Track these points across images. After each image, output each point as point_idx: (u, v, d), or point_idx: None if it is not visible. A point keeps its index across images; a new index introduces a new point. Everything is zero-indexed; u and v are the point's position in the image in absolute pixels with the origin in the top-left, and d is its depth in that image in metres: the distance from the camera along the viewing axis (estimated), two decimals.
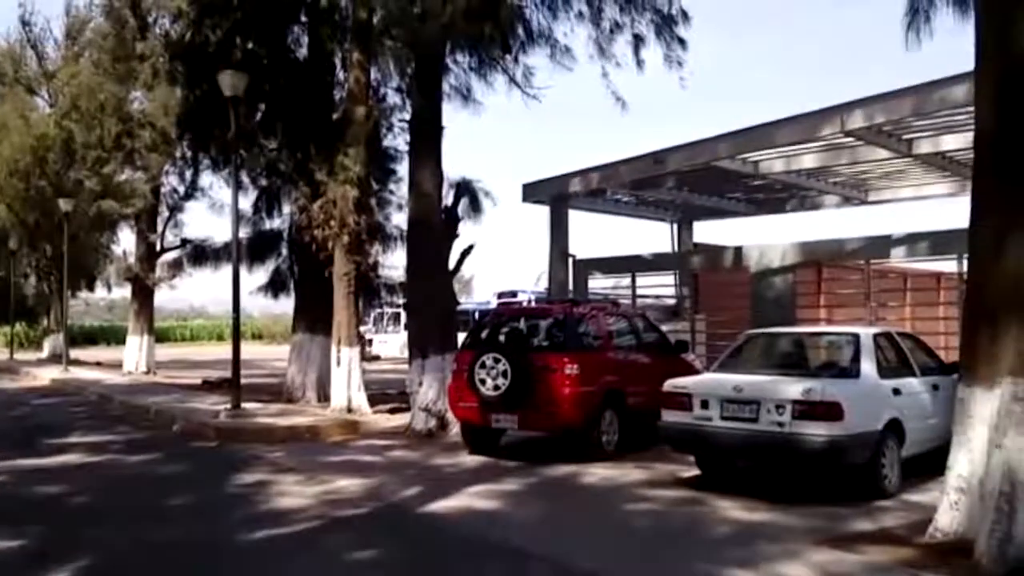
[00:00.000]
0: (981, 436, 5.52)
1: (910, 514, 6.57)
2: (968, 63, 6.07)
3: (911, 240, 12.26)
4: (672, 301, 16.84)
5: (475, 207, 14.10)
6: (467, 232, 24.82)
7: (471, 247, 13.35)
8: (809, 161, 14.69)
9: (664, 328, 11.89)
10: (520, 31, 11.97)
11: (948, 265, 12.55)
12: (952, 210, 19.42)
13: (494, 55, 12.34)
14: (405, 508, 7.31)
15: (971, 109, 6.69)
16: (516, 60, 12.47)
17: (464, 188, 13.63)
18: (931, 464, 6.90)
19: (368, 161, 12.61)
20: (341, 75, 14.36)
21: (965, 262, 7.60)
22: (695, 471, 8.32)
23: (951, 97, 10.07)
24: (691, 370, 10.02)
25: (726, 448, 7.73)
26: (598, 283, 17.47)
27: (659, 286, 17.31)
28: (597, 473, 8.61)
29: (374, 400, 13.31)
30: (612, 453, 9.40)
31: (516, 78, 12.63)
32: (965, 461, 5.64)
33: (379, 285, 15.85)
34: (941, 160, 14.14)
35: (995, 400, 5.44)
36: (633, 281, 16.80)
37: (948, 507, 5.67)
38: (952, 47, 6.77)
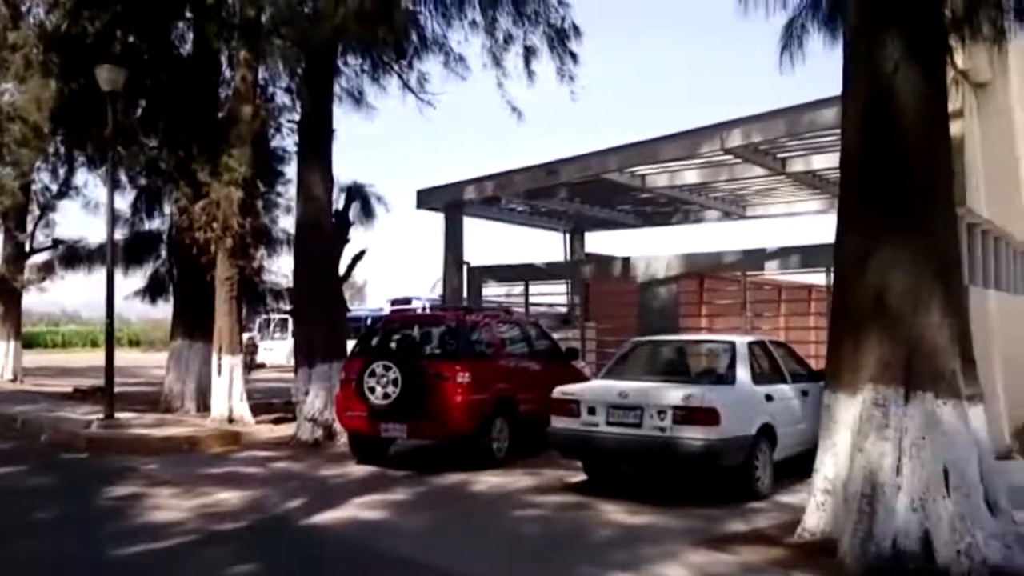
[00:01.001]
0: (845, 440, 5.84)
1: (781, 515, 6.90)
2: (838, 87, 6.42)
3: (783, 254, 12.88)
4: (564, 309, 17.10)
5: (367, 212, 13.94)
6: (359, 237, 24.48)
7: (363, 252, 13.18)
8: (692, 176, 15.25)
9: (556, 336, 12.07)
10: (414, 36, 11.94)
11: (818, 278, 13.27)
12: (822, 226, 20.55)
13: (387, 59, 12.25)
14: (288, 520, 7.13)
15: (839, 131, 7.10)
16: (410, 65, 12.43)
17: (355, 192, 13.44)
18: (801, 467, 7.25)
19: (254, 162, 12.25)
20: (228, 73, 13.91)
21: (832, 275, 8.05)
22: (583, 476, 8.48)
23: (821, 119, 10.67)
24: (581, 377, 10.22)
25: (611, 453, 7.92)
26: (492, 291, 17.56)
27: (552, 294, 17.55)
28: (487, 481, 8.64)
29: (258, 410, 12.91)
30: (502, 460, 9.45)
31: (410, 83, 12.59)
32: (830, 464, 5.97)
33: (264, 290, 15.42)
34: (812, 179, 14.96)
35: (858, 406, 5.77)
36: (526, 289, 16.97)
37: (815, 508, 5.99)
38: (825, 69, 7.13)
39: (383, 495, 7.98)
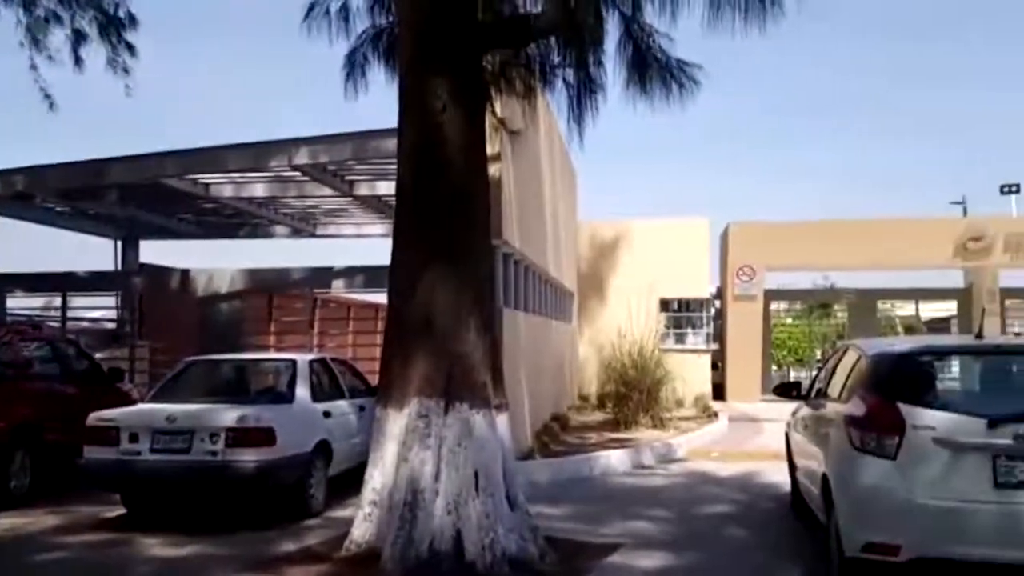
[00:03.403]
0: (392, 452, 6.15)
1: (333, 530, 6.99)
2: None
3: (350, 273, 13.33)
4: (113, 325, 15.48)
5: None
6: None
7: None
8: (261, 190, 14.96)
9: (103, 355, 10.86)
10: None
11: (384, 297, 13.94)
12: (387, 248, 21.63)
13: None
14: None
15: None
16: None
17: None
18: (358, 480, 7.49)
19: None
20: None
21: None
22: (121, 510, 7.70)
23: (384, 147, 11.23)
24: (127, 400, 9.31)
25: (157, 482, 7.33)
26: (22, 302, 15.21)
27: (99, 308, 15.78)
28: (1, 524, 7.37)
29: None
30: (23, 499, 8.16)
31: None
32: (378, 476, 6.24)
33: None
34: (377, 203, 15.71)
35: (405, 418, 6.13)
36: (64, 301, 15.01)
37: (362, 520, 6.20)
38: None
39: None
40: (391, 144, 10.95)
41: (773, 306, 27.49)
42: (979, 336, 6.00)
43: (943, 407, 5.12)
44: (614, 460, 10.88)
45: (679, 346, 20.62)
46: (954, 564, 4.95)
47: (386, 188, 14.36)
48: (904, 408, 5.09)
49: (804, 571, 6.16)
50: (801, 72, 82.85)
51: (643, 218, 21.43)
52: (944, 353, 5.73)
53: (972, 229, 22.31)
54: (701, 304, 21.61)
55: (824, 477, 5.83)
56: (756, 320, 23.04)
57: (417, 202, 6.46)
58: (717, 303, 23.54)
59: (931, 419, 4.99)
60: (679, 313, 21.55)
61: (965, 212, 28.56)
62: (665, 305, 21.17)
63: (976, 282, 24.34)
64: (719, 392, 21.72)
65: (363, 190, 14.57)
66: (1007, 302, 25.04)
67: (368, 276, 12.86)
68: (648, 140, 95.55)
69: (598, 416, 16.01)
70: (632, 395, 14.57)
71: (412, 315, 6.31)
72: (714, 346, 22.42)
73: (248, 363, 9.47)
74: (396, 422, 6.18)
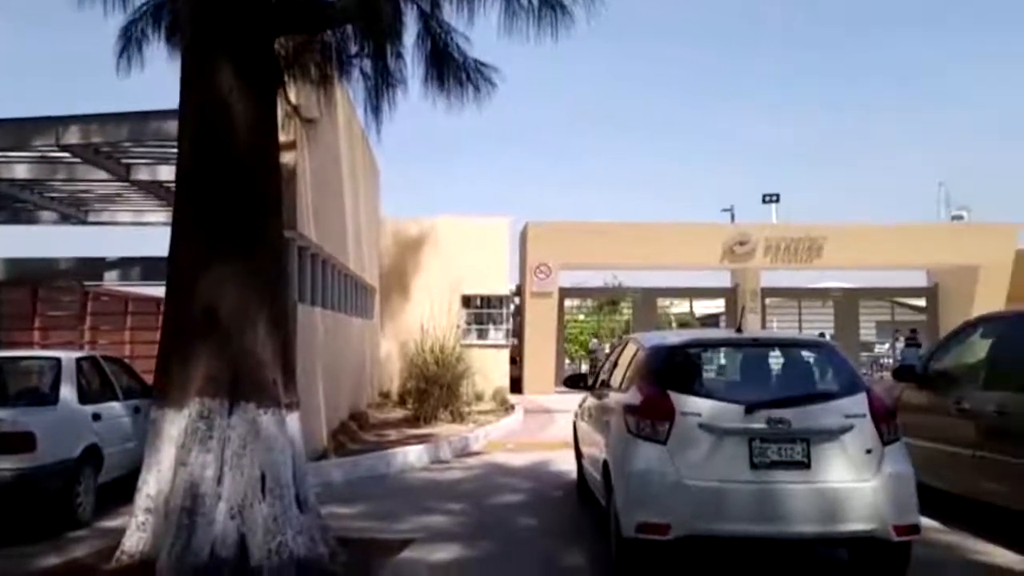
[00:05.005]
0: (170, 456, 5.76)
1: (104, 541, 6.49)
2: None
3: (126, 264, 12.33)
4: None
5: None
6: None
7: None
8: (23, 171, 13.45)
9: None
10: None
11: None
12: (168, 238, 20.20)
13: None
14: None
15: None
16: None
17: None
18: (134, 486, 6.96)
19: None
20: None
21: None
22: None
23: (166, 129, 10.45)
24: None
25: None
26: None
27: None
28: None
29: None
30: None
31: None
32: (154, 482, 5.82)
33: None
34: (159, 188, 14.61)
35: (185, 420, 5.75)
36: None
37: (136, 528, 5.76)
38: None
39: None
40: (172, 126, 10.30)
41: (567, 303, 28.72)
42: (739, 330, 6.60)
43: (708, 395, 5.58)
44: (411, 456, 10.89)
45: (480, 341, 21.04)
46: (717, 540, 5.41)
47: (168, 173, 13.37)
48: (674, 396, 5.49)
49: (587, 554, 6.47)
50: (599, 86, 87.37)
51: (446, 216, 21.58)
52: (709, 345, 6.23)
53: (738, 234, 24.59)
54: (501, 301, 22.15)
55: (605, 463, 6.16)
56: (552, 316, 24.00)
57: (199, 188, 6.09)
58: (517, 300, 24.24)
59: (697, 406, 5.42)
60: (481, 309, 21.96)
61: (733, 218, 31.35)
62: (467, 302, 21.50)
63: (741, 282, 26.80)
64: (517, 385, 22.40)
65: (143, 175, 13.49)
66: (767, 300, 27.74)
67: (147, 267, 11.96)
68: (452, 140, 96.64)
69: (399, 413, 15.96)
70: (433, 391, 14.68)
71: (193, 310, 5.94)
72: (513, 341, 23.08)
73: (5, 362, 8.51)
74: (175, 424, 5.80)
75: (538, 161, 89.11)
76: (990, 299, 22.60)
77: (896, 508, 5.22)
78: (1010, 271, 24.14)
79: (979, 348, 7.44)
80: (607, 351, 19.32)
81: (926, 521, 6.38)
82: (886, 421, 5.41)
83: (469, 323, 21.39)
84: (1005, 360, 6.90)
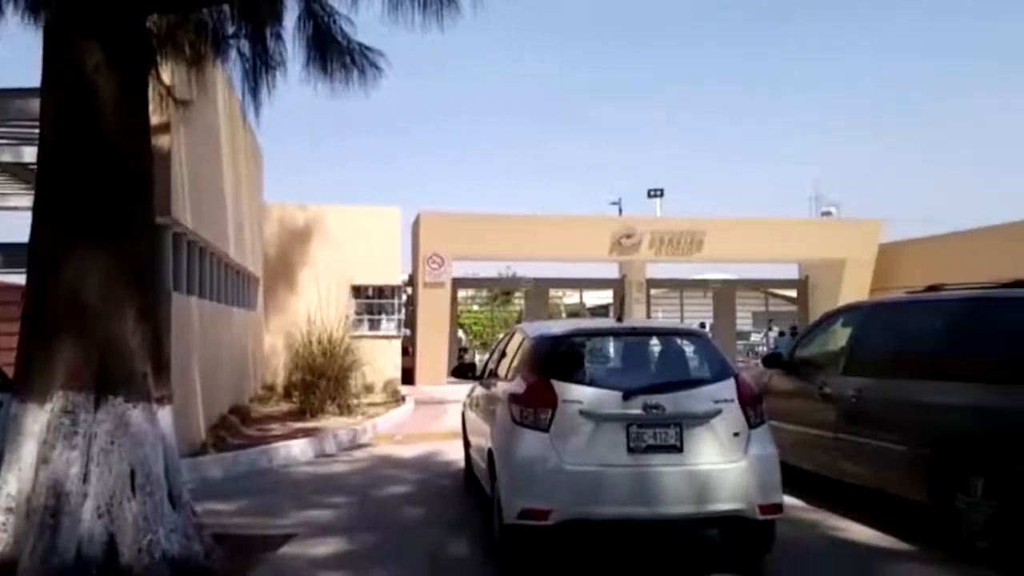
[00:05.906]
0: (32, 452, 5.44)
1: None
2: None
3: None
4: None
5: None
6: None
7: None
8: None
9: None
10: None
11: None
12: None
13: None
14: None
15: None
16: None
17: None
18: None
19: None
20: None
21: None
22: None
23: (29, 108, 9.84)
24: None
25: None
26: None
27: None
28: None
29: None
30: None
31: None
32: (14, 481, 5.48)
33: None
34: (23, 171, 13.73)
35: (47, 415, 5.45)
36: None
37: None
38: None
39: None
40: (38, 105, 9.70)
41: (461, 293, 28.76)
42: (620, 319, 6.79)
43: (589, 382, 5.71)
44: (295, 450, 10.66)
45: (372, 332, 20.78)
46: (595, 524, 5.56)
47: (33, 155, 12.63)
48: (557, 384, 5.60)
49: (473, 543, 6.53)
50: (496, 74, 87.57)
51: (336, 205, 21.15)
52: (590, 335, 6.37)
53: (625, 227, 25.25)
54: (393, 291, 21.93)
55: (490, 451, 6.23)
56: (445, 306, 23.97)
57: (63, 170, 5.75)
58: (409, 290, 24.07)
59: (578, 393, 5.54)
60: (372, 300, 21.68)
61: (620, 212, 32.17)
62: (358, 292, 21.19)
63: (628, 274, 27.54)
64: (409, 376, 22.26)
65: (6, 156, 12.66)
66: (652, 291, 28.62)
67: (7, 254, 11.20)
68: (342, 124, 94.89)
69: (284, 407, 15.60)
70: (320, 383, 14.41)
71: (56, 298, 5.62)
72: (406, 332, 22.91)
73: None
74: (37, 419, 5.48)
75: (432, 149, 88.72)
76: (855, 291, 24.08)
77: (761, 488, 5.49)
78: (873, 264, 25.77)
79: (840, 336, 7.91)
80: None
81: (792, 500, 6.79)
82: (753, 406, 5.68)
83: (360, 314, 21.09)
84: (863, 347, 7.37)
